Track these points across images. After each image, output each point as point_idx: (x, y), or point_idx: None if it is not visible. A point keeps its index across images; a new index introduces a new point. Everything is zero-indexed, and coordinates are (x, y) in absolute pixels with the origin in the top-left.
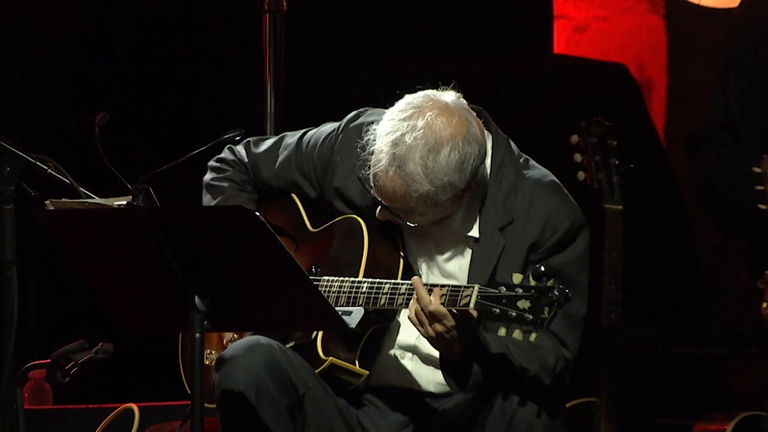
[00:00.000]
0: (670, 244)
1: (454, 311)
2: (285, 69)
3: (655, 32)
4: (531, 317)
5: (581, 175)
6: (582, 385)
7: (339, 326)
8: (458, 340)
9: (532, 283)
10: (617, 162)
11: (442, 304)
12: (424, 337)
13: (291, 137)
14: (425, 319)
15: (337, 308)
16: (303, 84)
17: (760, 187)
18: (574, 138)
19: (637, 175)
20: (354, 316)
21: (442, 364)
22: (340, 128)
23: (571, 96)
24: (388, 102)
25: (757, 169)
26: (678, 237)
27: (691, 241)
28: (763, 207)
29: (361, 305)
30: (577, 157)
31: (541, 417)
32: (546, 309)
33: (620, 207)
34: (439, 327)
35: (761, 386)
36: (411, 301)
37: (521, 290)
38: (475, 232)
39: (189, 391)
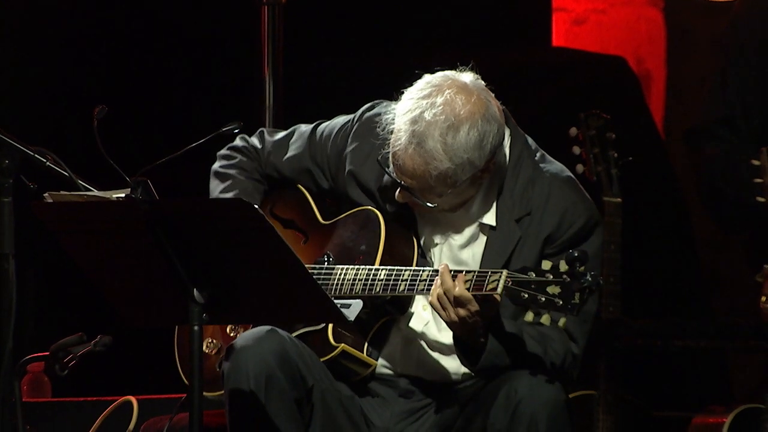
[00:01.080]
0: (669, 236)
1: (478, 296)
2: (283, 62)
3: (654, 25)
4: (561, 302)
5: (580, 167)
6: (581, 377)
7: (338, 319)
8: (480, 325)
9: (564, 268)
10: (616, 155)
11: (468, 288)
12: (444, 321)
13: (305, 127)
14: (448, 304)
15: (336, 300)
16: (301, 77)
17: (758, 180)
18: (573, 130)
19: (635, 168)
20: (353, 308)
21: (456, 341)
22: (355, 119)
23: (570, 89)
24: (385, 95)
25: (756, 162)
26: (677, 230)
27: (690, 234)
28: (761, 200)
29: (378, 292)
30: (576, 150)
31: (546, 409)
32: (577, 295)
33: (619, 200)
34: (462, 312)
35: (760, 379)
36: (433, 286)
37: (551, 276)
38: (491, 220)
39: (185, 381)
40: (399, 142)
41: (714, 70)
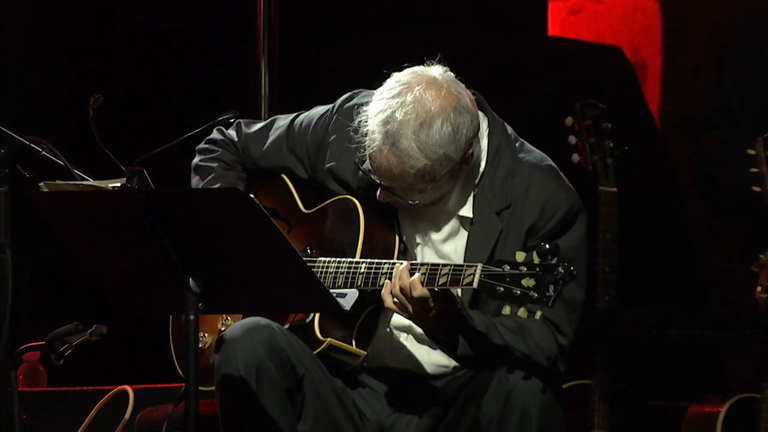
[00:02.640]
0: (665, 226)
1: (435, 291)
2: (279, 51)
3: (649, 14)
4: (536, 295)
5: (576, 157)
6: (576, 367)
7: (334, 308)
8: (438, 319)
9: (537, 261)
10: (612, 144)
11: (445, 283)
12: (403, 315)
13: (283, 119)
14: (404, 299)
15: (331, 290)
16: (297, 66)
17: (754, 170)
18: (569, 120)
19: (631, 158)
20: (348, 298)
21: (426, 334)
22: (334, 109)
23: (566, 78)
24: (380, 84)
25: (752, 152)
26: (673, 219)
27: (686, 224)
28: (757, 189)
29: (359, 285)
30: (572, 140)
31: (538, 397)
32: (551, 287)
33: (615, 189)
34: (418, 307)
35: (756, 369)
36: (386, 288)
37: (525, 268)
38: (468, 212)
39: (181, 374)
40: (374, 144)
41: (709, 60)
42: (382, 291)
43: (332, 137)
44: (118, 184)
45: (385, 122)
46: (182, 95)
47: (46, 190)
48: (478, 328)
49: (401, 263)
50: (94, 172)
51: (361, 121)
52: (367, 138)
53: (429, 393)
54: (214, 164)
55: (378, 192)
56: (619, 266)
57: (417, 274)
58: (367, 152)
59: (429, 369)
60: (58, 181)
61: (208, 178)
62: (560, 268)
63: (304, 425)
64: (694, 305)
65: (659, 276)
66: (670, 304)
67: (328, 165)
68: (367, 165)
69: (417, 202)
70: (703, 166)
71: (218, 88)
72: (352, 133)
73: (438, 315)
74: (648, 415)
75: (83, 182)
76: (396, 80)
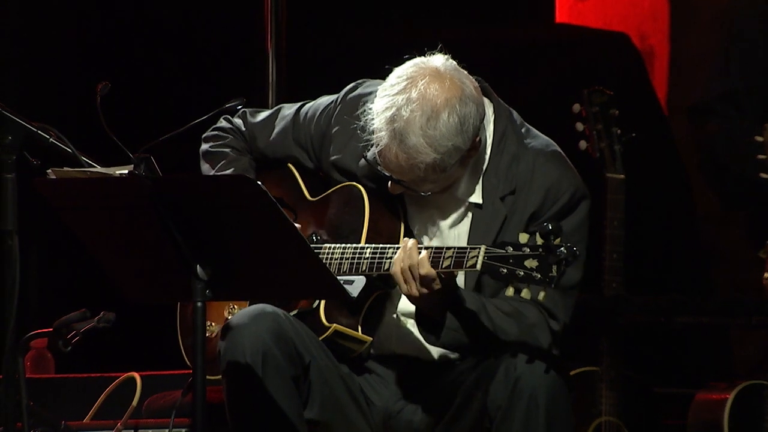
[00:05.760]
0: (672, 213)
1: (442, 275)
2: (287, 38)
3: (657, 1)
4: (539, 276)
5: (583, 144)
6: (584, 354)
7: (341, 295)
8: (438, 299)
9: (540, 241)
10: (619, 131)
11: (449, 266)
12: (404, 294)
13: (288, 109)
14: (411, 279)
15: (338, 277)
16: (305, 53)
17: (762, 156)
18: (576, 107)
19: (639, 144)
20: (356, 285)
21: (417, 318)
22: (338, 100)
23: (573, 65)
24: (388, 72)
25: (759, 138)
26: (679, 206)
27: (693, 210)
28: (765, 176)
29: (364, 271)
30: (579, 127)
31: (545, 384)
32: (554, 267)
33: (622, 176)
34: (423, 289)
35: (762, 355)
36: (397, 257)
37: (528, 249)
38: (477, 198)
39: (187, 362)
40: (382, 142)
41: (716, 47)
42: (394, 257)
43: (335, 129)
44: (126, 171)
45: (392, 120)
46: (190, 82)
47: (54, 177)
48: (471, 306)
49: (409, 240)
50: (102, 159)
51: (367, 118)
52: (374, 136)
53: (436, 379)
54: (226, 149)
55: (389, 184)
56: (626, 253)
57: (424, 253)
58: (375, 149)
59: (436, 355)
60: (65, 168)
61: (221, 163)
62: (563, 249)
63: (310, 412)
64: (700, 292)
65: (666, 263)
66: (676, 291)
67: (333, 158)
68: (373, 154)
69: (429, 192)
70: (710, 153)
71: (226, 75)
72: (359, 132)
73: (439, 296)
74: (655, 401)
75: (91, 169)
76: (399, 75)
